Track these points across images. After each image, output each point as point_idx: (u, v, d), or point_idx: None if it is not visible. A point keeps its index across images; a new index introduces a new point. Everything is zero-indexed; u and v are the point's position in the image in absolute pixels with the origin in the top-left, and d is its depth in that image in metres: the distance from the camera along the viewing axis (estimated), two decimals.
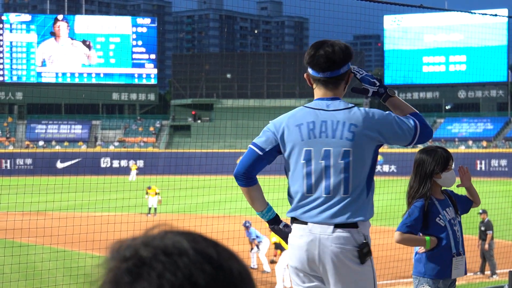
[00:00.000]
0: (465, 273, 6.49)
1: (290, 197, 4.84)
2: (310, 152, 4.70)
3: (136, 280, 1.26)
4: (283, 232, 4.88)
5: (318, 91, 4.86)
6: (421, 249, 6.34)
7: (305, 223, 4.71)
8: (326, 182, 4.68)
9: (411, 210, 6.31)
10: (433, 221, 6.29)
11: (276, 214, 4.94)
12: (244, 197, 4.98)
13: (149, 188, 33.15)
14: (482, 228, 19.53)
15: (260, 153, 4.77)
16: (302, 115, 4.78)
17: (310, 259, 4.71)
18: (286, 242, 4.88)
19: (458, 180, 6.53)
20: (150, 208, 32.27)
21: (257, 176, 4.89)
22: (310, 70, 4.86)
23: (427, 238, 6.24)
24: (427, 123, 4.94)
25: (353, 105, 4.83)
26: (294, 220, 4.77)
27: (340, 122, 4.72)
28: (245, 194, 4.87)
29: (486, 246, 19.38)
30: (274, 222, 4.90)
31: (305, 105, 4.87)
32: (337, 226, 4.65)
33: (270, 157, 4.81)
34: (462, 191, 6.70)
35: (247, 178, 4.80)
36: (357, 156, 4.70)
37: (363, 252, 4.69)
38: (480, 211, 19.20)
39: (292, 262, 4.82)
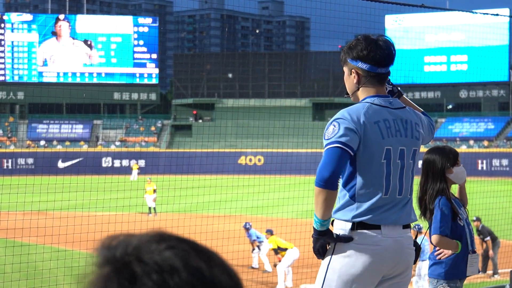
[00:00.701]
0: (479, 271, 6.50)
1: (357, 199, 4.47)
2: (390, 151, 4.48)
3: None
4: (337, 239, 4.47)
5: (369, 89, 4.58)
6: (443, 254, 6.29)
7: (377, 227, 4.46)
8: (400, 182, 4.52)
9: (442, 212, 6.23)
10: (455, 221, 6.29)
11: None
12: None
13: (149, 180, 33.19)
14: (481, 236, 19.45)
15: (352, 153, 4.38)
16: (375, 112, 4.48)
17: (385, 264, 4.50)
18: (324, 251, 4.52)
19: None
20: (150, 208, 32.33)
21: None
22: (364, 65, 4.54)
23: (459, 243, 6.25)
24: (434, 125, 5.02)
25: (404, 105, 4.70)
26: (361, 226, 4.46)
27: (408, 120, 4.57)
28: (328, 199, 4.33)
29: (491, 252, 19.35)
30: (328, 231, 4.46)
31: (369, 101, 4.53)
32: (404, 226, 4.58)
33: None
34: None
35: (337, 178, 4.38)
36: (418, 156, 4.67)
37: (417, 252, 4.73)
38: (474, 218, 19.06)
39: (357, 269, 4.46)
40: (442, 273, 6.32)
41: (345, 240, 4.46)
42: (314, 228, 4.46)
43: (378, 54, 4.53)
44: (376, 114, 4.48)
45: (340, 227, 4.50)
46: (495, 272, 19.40)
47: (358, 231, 4.46)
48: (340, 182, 4.51)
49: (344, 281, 4.50)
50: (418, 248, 4.71)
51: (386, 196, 4.47)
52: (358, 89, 4.61)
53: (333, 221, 4.55)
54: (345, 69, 4.66)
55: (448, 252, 6.26)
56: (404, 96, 4.94)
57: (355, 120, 4.40)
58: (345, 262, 4.48)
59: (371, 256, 4.46)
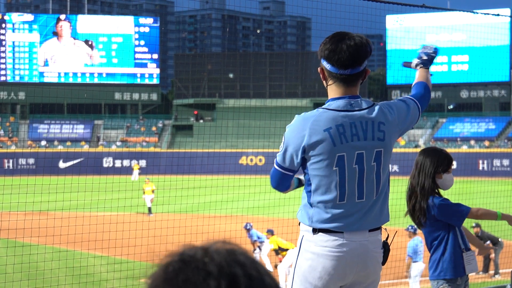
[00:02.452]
0: (477, 269, 6.53)
1: (314, 206, 4.45)
2: (343, 158, 4.37)
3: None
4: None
5: (335, 89, 4.48)
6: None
7: (340, 232, 4.41)
8: (359, 187, 4.42)
9: (444, 201, 6.30)
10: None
11: (298, 179, 4.80)
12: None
13: (148, 180, 33.18)
14: (482, 242, 19.47)
15: (292, 173, 4.55)
16: (327, 118, 4.37)
17: (348, 268, 4.45)
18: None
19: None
20: (150, 208, 32.32)
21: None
22: (327, 65, 4.46)
23: (498, 211, 6.33)
24: (428, 95, 4.98)
25: (373, 102, 4.57)
26: (324, 230, 4.42)
27: (369, 122, 4.43)
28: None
29: (492, 255, 19.38)
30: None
31: (324, 107, 4.45)
32: (370, 229, 4.50)
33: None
34: (463, 191, 6.71)
35: (285, 188, 4.68)
36: (386, 156, 4.52)
37: (386, 254, 4.65)
38: (474, 224, 19.10)
39: (319, 273, 4.45)
40: (440, 274, 6.35)
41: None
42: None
43: (338, 56, 4.39)
44: (328, 121, 4.36)
45: (305, 228, 4.52)
46: (496, 272, 19.42)
47: (320, 234, 4.43)
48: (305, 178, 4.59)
49: (308, 284, 4.49)
50: (387, 250, 4.62)
51: (343, 201, 4.40)
52: (327, 86, 4.55)
53: (299, 223, 4.57)
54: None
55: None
56: (427, 73, 5.07)
57: (297, 135, 4.38)
58: (308, 265, 4.46)
59: (333, 259, 4.41)
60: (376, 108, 4.51)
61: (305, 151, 4.37)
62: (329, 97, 4.52)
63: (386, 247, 4.62)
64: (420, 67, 5.17)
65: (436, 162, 6.32)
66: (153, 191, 32.47)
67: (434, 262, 6.40)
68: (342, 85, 4.46)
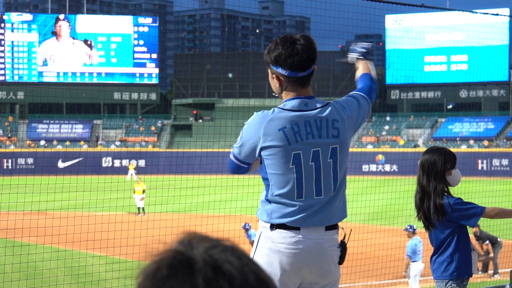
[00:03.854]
0: (478, 271, 6.54)
1: (272, 203, 4.50)
2: (299, 155, 4.45)
3: (171, 278, 1.31)
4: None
5: (291, 91, 4.58)
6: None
7: (297, 228, 4.46)
8: (317, 184, 4.49)
9: (460, 201, 6.29)
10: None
11: None
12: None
13: (139, 180, 33.16)
14: (480, 241, 19.49)
15: (246, 166, 4.62)
16: (282, 118, 4.47)
17: (304, 265, 4.49)
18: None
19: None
20: (139, 208, 32.22)
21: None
22: (283, 71, 4.54)
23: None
24: (372, 89, 5.05)
25: (327, 102, 4.67)
26: (281, 226, 4.48)
27: (323, 120, 4.53)
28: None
29: (491, 255, 19.38)
30: None
31: (280, 107, 4.56)
32: (327, 228, 4.53)
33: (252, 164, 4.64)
34: (463, 191, 6.70)
35: (240, 171, 4.69)
36: (343, 152, 4.59)
37: (343, 253, 4.65)
38: None
39: (275, 269, 4.48)
40: (447, 273, 6.32)
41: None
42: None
43: (296, 59, 4.49)
44: (282, 120, 4.46)
45: (262, 225, 4.57)
46: (495, 272, 19.41)
47: (277, 230, 4.48)
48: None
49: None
50: (344, 249, 4.64)
51: (301, 198, 4.46)
52: (282, 91, 4.63)
53: (258, 220, 4.61)
54: (268, 71, 4.68)
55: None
56: (369, 64, 5.09)
57: (255, 133, 4.47)
58: (264, 261, 4.47)
59: (289, 256, 4.45)
60: (330, 107, 4.62)
61: (261, 150, 4.48)
62: (284, 99, 4.63)
63: (343, 246, 4.65)
64: (361, 59, 5.14)
65: (444, 160, 6.32)
66: (144, 191, 32.41)
67: (444, 261, 6.36)
68: (298, 87, 4.59)
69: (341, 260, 4.64)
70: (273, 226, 4.48)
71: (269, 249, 4.49)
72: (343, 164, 4.61)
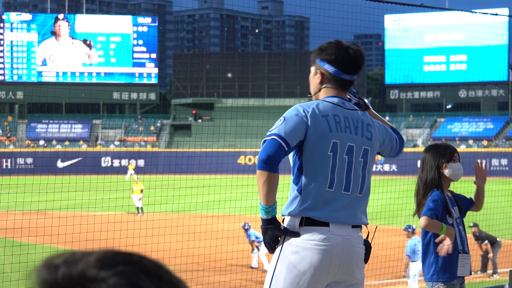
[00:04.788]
0: (470, 273, 6.45)
1: (303, 193, 4.47)
2: (337, 145, 4.50)
3: None
4: (285, 232, 4.45)
5: (330, 91, 4.66)
6: (441, 247, 6.22)
7: (326, 224, 4.45)
8: (347, 178, 4.52)
9: (432, 198, 6.22)
10: (444, 217, 6.28)
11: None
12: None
13: (137, 180, 33.20)
14: (479, 241, 19.49)
15: (286, 149, 4.40)
16: (325, 107, 4.55)
17: (333, 262, 4.47)
18: (275, 243, 4.50)
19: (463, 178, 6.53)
20: (138, 208, 32.26)
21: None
22: (329, 68, 4.63)
23: (444, 224, 6.19)
24: (403, 141, 5.11)
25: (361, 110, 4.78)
26: (309, 223, 4.44)
27: (359, 120, 4.63)
28: (268, 181, 4.34)
29: (490, 255, 19.38)
30: (274, 220, 4.46)
31: (322, 99, 4.62)
32: (353, 226, 4.57)
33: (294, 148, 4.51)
34: (463, 191, 6.66)
35: (277, 163, 4.39)
36: (372, 157, 4.69)
37: (368, 251, 4.70)
38: (471, 224, 19.09)
39: (305, 266, 4.44)
40: (434, 276, 6.30)
41: (292, 234, 4.45)
42: (261, 218, 4.46)
43: (345, 60, 4.60)
44: (326, 109, 4.54)
45: (289, 223, 4.51)
46: (494, 272, 19.41)
47: (306, 227, 4.45)
48: (291, 179, 4.55)
49: (292, 277, 4.46)
50: (368, 247, 4.68)
51: (331, 189, 4.47)
52: (320, 90, 4.67)
53: (283, 219, 4.55)
54: (312, 69, 4.72)
55: (447, 244, 6.18)
56: (371, 109, 4.97)
57: (301, 113, 4.46)
58: (293, 258, 4.45)
59: (319, 252, 4.43)
60: (366, 113, 4.76)
61: (306, 132, 4.47)
62: (322, 97, 4.67)
63: (367, 245, 4.69)
64: (366, 108, 4.98)
65: (437, 154, 6.31)
66: (141, 191, 32.47)
67: (428, 264, 6.35)
68: (338, 88, 4.66)
69: (366, 258, 4.68)
70: (302, 223, 4.46)
71: (298, 246, 4.45)
72: (370, 169, 4.71)
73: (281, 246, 4.51)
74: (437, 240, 6.22)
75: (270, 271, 4.57)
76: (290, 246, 4.47)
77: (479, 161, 6.57)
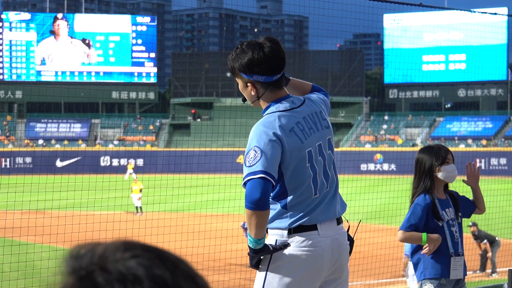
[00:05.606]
0: (465, 275, 6.44)
1: (290, 208, 4.42)
2: (311, 152, 4.44)
3: None
4: (275, 250, 4.39)
5: (270, 96, 4.49)
6: (427, 250, 6.27)
7: (314, 228, 4.42)
8: (325, 177, 4.50)
9: (413, 208, 6.24)
10: (432, 220, 6.27)
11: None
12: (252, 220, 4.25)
13: (136, 179, 33.21)
14: (478, 241, 19.51)
15: (273, 182, 4.28)
16: (286, 119, 4.39)
17: (326, 264, 4.47)
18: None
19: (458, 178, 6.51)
20: (137, 208, 32.30)
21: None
22: (259, 78, 4.42)
23: (424, 234, 6.20)
24: (326, 92, 4.98)
25: (303, 97, 4.64)
26: (298, 230, 4.40)
27: (313, 113, 4.53)
28: (261, 219, 4.25)
29: (489, 254, 19.39)
30: (264, 248, 4.39)
31: (274, 111, 4.44)
32: (337, 222, 4.57)
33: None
34: (467, 193, 6.64)
35: (268, 200, 4.29)
36: (332, 141, 4.65)
37: (351, 245, 4.70)
38: (470, 224, 19.09)
39: (298, 274, 4.39)
40: (422, 273, 6.32)
41: (282, 248, 4.40)
42: (249, 246, 4.39)
43: (270, 63, 4.41)
44: (288, 121, 4.39)
45: (276, 233, 4.45)
46: (493, 271, 19.42)
47: (296, 234, 4.40)
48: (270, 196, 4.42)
49: (285, 285, 4.42)
50: (351, 242, 4.69)
51: (317, 195, 4.45)
52: (258, 98, 4.52)
53: (267, 229, 4.48)
54: (238, 80, 4.54)
55: (431, 247, 6.20)
56: (291, 78, 4.84)
57: (272, 138, 4.31)
58: (285, 268, 4.40)
59: (311, 258, 4.40)
60: (309, 100, 4.61)
61: (282, 155, 4.35)
62: (263, 106, 4.54)
63: (350, 239, 4.69)
64: (287, 81, 4.86)
65: (430, 158, 6.30)
66: (140, 190, 32.50)
67: (418, 262, 6.37)
68: (276, 89, 4.50)
69: (350, 252, 4.69)
70: (291, 232, 4.41)
71: (289, 256, 4.40)
72: (334, 154, 4.67)
73: (269, 256, 4.45)
74: (422, 253, 6.27)
75: (259, 280, 4.50)
76: (282, 256, 4.42)
77: (472, 162, 6.54)
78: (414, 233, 6.19)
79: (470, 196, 6.63)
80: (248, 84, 4.48)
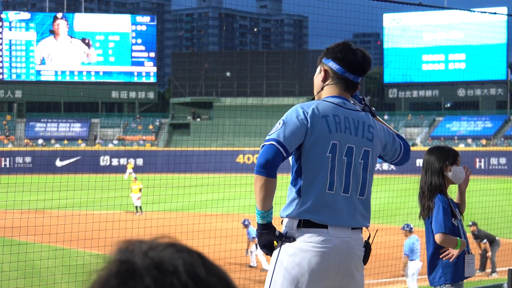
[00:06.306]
0: (474, 274, 6.46)
1: (302, 195, 4.43)
2: (336, 146, 4.43)
3: (123, 286, 1.31)
4: (280, 237, 4.44)
5: (332, 89, 4.62)
6: (450, 255, 6.21)
7: (324, 226, 4.41)
8: (346, 179, 4.47)
9: (442, 209, 6.18)
10: (450, 221, 6.27)
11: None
12: (253, 192, 4.37)
13: (135, 179, 33.21)
14: (478, 240, 19.52)
15: (285, 154, 4.34)
16: (325, 107, 4.49)
17: (332, 265, 4.43)
18: (271, 247, 4.49)
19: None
20: (137, 207, 32.30)
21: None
22: (334, 65, 4.59)
23: (459, 239, 6.19)
24: (409, 148, 4.94)
25: (362, 108, 4.74)
26: (307, 224, 4.40)
27: (360, 121, 4.56)
28: (265, 187, 4.30)
29: (489, 254, 19.40)
30: (270, 226, 4.43)
31: (323, 100, 4.57)
32: (353, 228, 4.53)
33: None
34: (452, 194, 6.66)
35: (275, 168, 4.34)
36: (373, 158, 4.62)
37: (368, 253, 4.66)
38: (470, 223, 19.11)
39: (303, 268, 4.39)
40: (441, 278, 6.27)
41: (288, 239, 4.42)
42: (257, 222, 4.45)
43: (350, 59, 4.56)
44: (326, 109, 4.48)
45: (287, 225, 4.47)
46: (493, 271, 19.42)
47: (304, 229, 4.41)
48: (289, 181, 4.49)
49: (290, 280, 4.42)
50: (368, 249, 4.64)
51: (331, 191, 4.42)
52: (322, 88, 4.62)
53: (282, 221, 4.53)
54: (318, 68, 4.69)
55: (454, 252, 6.20)
56: (377, 117, 4.89)
57: (301, 115, 4.41)
58: (291, 261, 4.41)
59: (317, 254, 4.39)
60: (367, 113, 4.70)
61: (306, 134, 4.41)
62: (323, 96, 4.63)
63: (367, 246, 4.64)
64: (372, 115, 4.91)
65: (441, 157, 6.32)
66: (140, 190, 32.50)
67: (435, 267, 6.33)
68: (341, 87, 4.60)
69: (365, 260, 4.63)
70: (300, 225, 4.42)
71: (296, 248, 4.41)
72: (372, 170, 4.62)
73: (278, 249, 4.47)
74: (445, 258, 6.24)
75: (269, 274, 4.55)
76: (288, 248, 4.43)
77: (464, 166, 6.55)
78: (452, 236, 6.17)
79: (453, 196, 6.66)
80: (321, 69, 4.65)
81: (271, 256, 4.53)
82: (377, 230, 4.83)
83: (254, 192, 4.36)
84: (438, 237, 6.18)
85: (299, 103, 4.55)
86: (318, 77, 4.67)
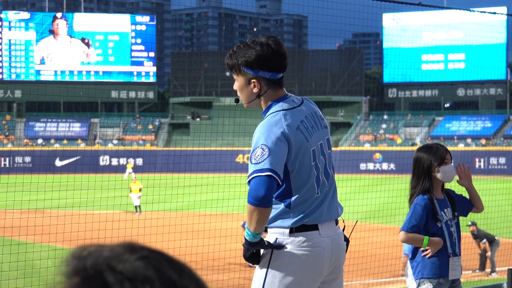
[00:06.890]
0: (460, 276, 6.45)
1: (294, 206, 4.40)
2: (315, 151, 4.44)
3: None
4: (270, 246, 4.40)
5: (272, 94, 4.48)
6: (428, 253, 6.25)
7: (315, 227, 4.43)
8: (326, 176, 4.50)
9: (413, 208, 6.23)
10: (431, 221, 6.26)
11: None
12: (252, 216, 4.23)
13: (135, 179, 33.22)
14: (477, 240, 19.51)
15: (279, 181, 4.27)
16: (291, 117, 4.38)
17: (326, 264, 4.48)
18: (256, 260, 4.45)
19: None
20: (136, 207, 32.33)
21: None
22: (265, 74, 4.42)
23: (426, 238, 6.19)
24: None
25: (301, 97, 4.66)
26: (300, 229, 4.40)
27: (313, 113, 4.56)
28: (263, 216, 4.24)
29: (489, 253, 19.39)
30: (261, 241, 4.38)
31: (279, 110, 4.41)
32: (335, 222, 4.60)
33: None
34: (464, 192, 6.63)
35: (272, 198, 4.30)
36: (329, 140, 4.67)
37: (347, 244, 4.74)
38: (469, 223, 19.09)
39: (298, 273, 4.39)
40: (420, 273, 6.30)
41: (277, 247, 4.39)
42: (245, 238, 4.37)
43: (278, 60, 4.43)
44: (294, 119, 4.39)
45: (277, 231, 4.44)
46: (492, 270, 19.43)
47: (297, 234, 4.40)
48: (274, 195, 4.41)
49: (286, 285, 4.40)
50: (347, 242, 4.72)
51: (319, 194, 4.45)
52: (259, 97, 4.50)
53: (266, 228, 4.48)
54: (239, 78, 4.53)
55: (433, 250, 6.22)
56: None
57: (280, 137, 4.29)
58: (286, 267, 4.39)
59: (312, 258, 4.40)
60: (305, 101, 4.62)
61: (289, 152, 4.34)
62: (268, 104, 4.50)
63: (346, 239, 4.71)
64: None
65: (428, 158, 6.28)
66: (140, 190, 32.52)
67: (416, 262, 6.37)
68: (278, 88, 4.51)
69: (345, 251, 4.74)
70: (292, 230, 4.40)
71: (289, 254, 4.40)
72: (331, 154, 4.68)
73: (269, 257, 4.44)
74: (422, 255, 6.27)
75: (258, 279, 4.47)
76: (282, 256, 4.40)
77: (461, 163, 6.54)
78: (416, 235, 6.18)
79: (466, 195, 6.63)
80: (252, 81, 4.45)
81: (257, 265, 4.49)
82: (356, 221, 4.90)
83: (248, 218, 4.29)
84: (400, 235, 6.24)
85: (266, 123, 4.39)
86: (247, 89, 4.50)
